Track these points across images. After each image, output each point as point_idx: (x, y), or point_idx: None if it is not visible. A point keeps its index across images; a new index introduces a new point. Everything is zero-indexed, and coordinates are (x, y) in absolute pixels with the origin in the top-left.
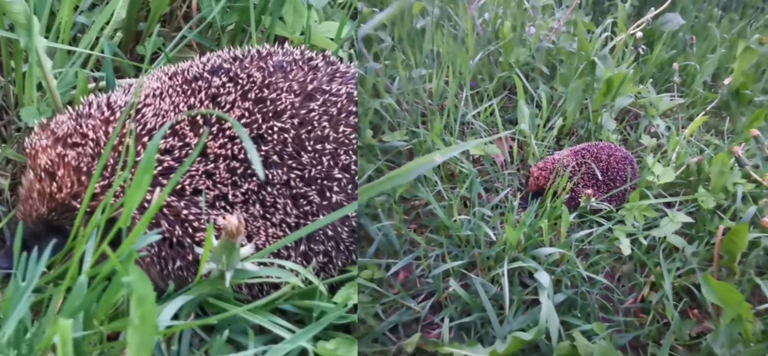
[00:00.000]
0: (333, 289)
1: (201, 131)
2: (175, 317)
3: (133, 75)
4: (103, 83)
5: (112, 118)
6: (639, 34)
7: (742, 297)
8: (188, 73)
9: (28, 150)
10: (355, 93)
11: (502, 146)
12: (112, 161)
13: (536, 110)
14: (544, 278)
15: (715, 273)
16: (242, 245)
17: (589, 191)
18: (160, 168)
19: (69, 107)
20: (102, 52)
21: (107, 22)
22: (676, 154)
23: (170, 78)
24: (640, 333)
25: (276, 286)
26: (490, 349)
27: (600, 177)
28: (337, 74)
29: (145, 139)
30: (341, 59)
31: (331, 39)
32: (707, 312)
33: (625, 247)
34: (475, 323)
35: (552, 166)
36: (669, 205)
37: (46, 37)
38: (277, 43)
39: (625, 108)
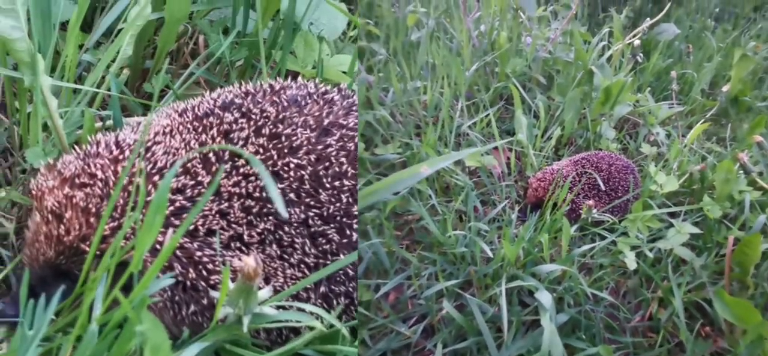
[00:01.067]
0: (355, 332)
1: (214, 168)
2: None
3: (141, 113)
4: (110, 122)
5: (121, 157)
6: (637, 42)
7: (760, 314)
8: (199, 110)
9: (34, 192)
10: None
11: (499, 157)
12: (121, 201)
13: (534, 120)
14: (545, 298)
15: (727, 287)
16: (260, 288)
17: (591, 202)
18: (172, 208)
19: (76, 147)
20: (108, 90)
21: (113, 60)
22: (678, 162)
23: (180, 115)
24: None
25: (296, 331)
26: None
27: (602, 187)
28: (354, 108)
29: (156, 178)
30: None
31: (344, 72)
32: (720, 330)
33: (631, 261)
34: (471, 348)
35: (551, 177)
36: (673, 215)
37: (51, 76)
38: (289, 78)
39: (623, 117)
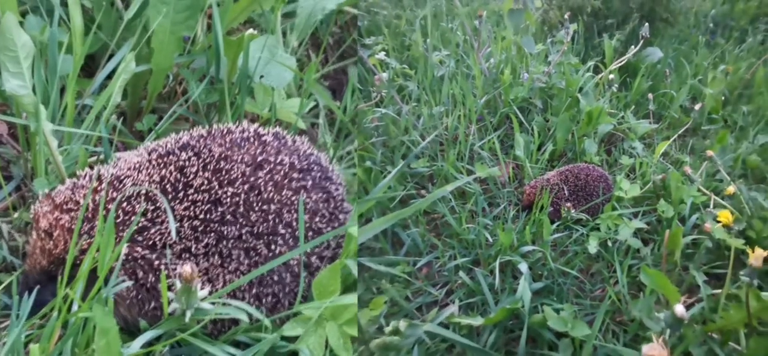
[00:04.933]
0: (282, 322)
1: (169, 197)
2: (150, 347)
3: (136, 146)
4: (103, 157)
5: (99, 188)
6: (611, 76)
7: (664, 276)
8: (163, 150)
9: (33, 215)
10: (297, 162)
11: (503, 169)
12: (97, 223)
13: (531, 138)
14: (523, 267)
15: (663, 267)
16: (203, 288)
17: (569, 204)
18: (136, 227)
19: (70, 180)
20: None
21: (105, 106)
22: (642, 173)
23: (149, 154)
24: (599, 311)
25: (236, 322)
26: (486, 318)
27: (579, 193)
28: (284, 148)
29: (124, 204)
30: (303, 131)
31: (295, 113)
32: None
33: (592, 247)
34: (478, 303)
35: (540, 184)
36: (635, 215)
37: (54, 121)
38: (246, 120)
39: (609, 132)
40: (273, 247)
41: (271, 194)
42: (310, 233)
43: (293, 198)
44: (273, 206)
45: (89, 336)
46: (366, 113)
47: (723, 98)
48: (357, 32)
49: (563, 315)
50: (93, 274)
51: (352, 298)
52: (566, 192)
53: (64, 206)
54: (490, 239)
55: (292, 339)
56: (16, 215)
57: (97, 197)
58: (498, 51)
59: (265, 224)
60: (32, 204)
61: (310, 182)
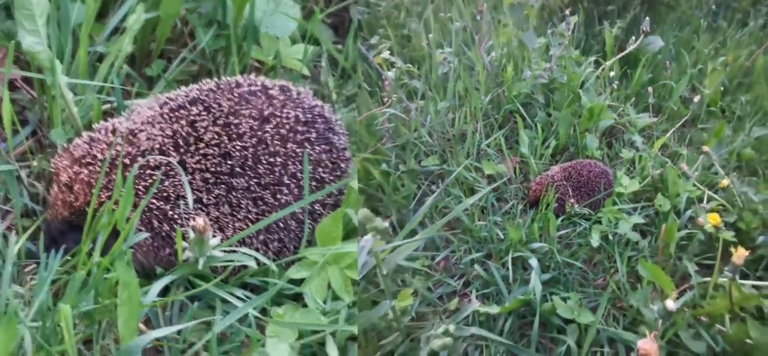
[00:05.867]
0: (287, 266)
1: (181, 150)
2: (167, 290)
3: (146, 89)
4: (116, 104)
5: (115, 142)
6: (612, 73)
7: (659, 268)
8: (174, 103)
9: (53, 169)
10: (302, 115)
11: (509, 165)
12: (115, 176)
13: (535, 134)
14: (533, 262)
15: (660, 258)
16: (214, 236)
17: (572, 200)
18: (151, 180)
19: (86, 133)
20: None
21: (117, 56)
22: (642, 167)
23: (161, 107)
24: (602, 299)
25: (245, 267)
26: (502, 307)
27: (582, 189)
28: (289, 101)
29: (139, 158)
30: (306, 76)
31: (299, 60)
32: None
33: (594, 240)
34: (492, 293)
35: (545, 181)
36: (635, 209)
37: (68, 72)
38: (253, 71)
39: (610, 126)
40: (279, 197)
41: (278, 147)
42: (314, 183)
43: (298, 150)
44: (279, 159)
45: (111, 285)
46: (377, 116)
47: (722, 88)
48: (358, 25)
49: (570, 303)
50: (112, 227)
51: (352, 246)
52: (570, 191)
53: (83, 160)
54: (502, 236)
55: (297, 282)
56: (34, 162)
57: (113, 151)
58: (499, 44)
59: (271, 176)
60: (49, 151)
61: (314, 135)
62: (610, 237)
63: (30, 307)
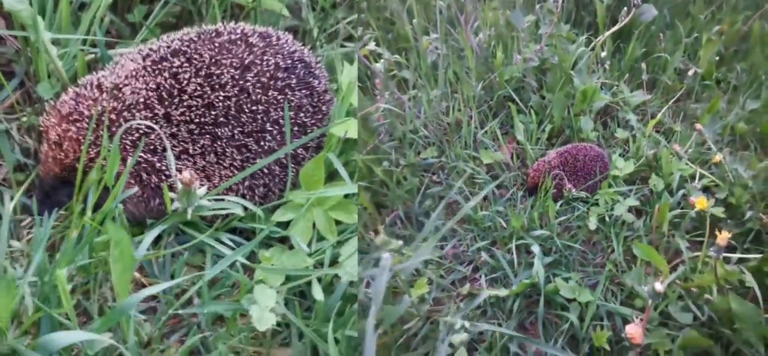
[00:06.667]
0: (273, 211)
1: (166, 103)
2: (159, 239)
3: (127, 36)
4: (99, 55)
5: (100, 97)
6: (603, 54)
7: (653, 249)
8: (156, 56)
9: (42, 127)
10: (282, 62)
11: (505, 152)
12: (102, 132)
13: (530, 119)
14: (536, 248)
15: (654, 237)
16: (202, 185)
17: (569, 185)
18: (137, 135)
19: (72, 88)
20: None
21: (99, 7)
22: (637, 148)
23: (144, 59)
24: (601, 278)
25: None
26: (509, 290)
27: (578, 173)
28: (269, 48)
29: (125, 113)
30: (284, 15)
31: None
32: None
33: (592, 223)
34: (499, 277)
35: (542, 167)
36: (630, 190)
37: (51, 26)
38: (231, 18)
39: (604, 105)
40: (263, 143)
41: (259, 95)
42: (296, 128)
43: (279, 97)
44: (261, 107)
45: (104, 240)
46: (371, 113)
47: (717, 57)
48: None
49: (571, 283)
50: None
51: (335, 189)
52: (565, 179)
53: (70, 117)
54: (505, 225)
55: (283, 225)
56: (24, 118)
57: (99, 108)
58: (486, 24)
59: (254, 124)
60: (37, 106)
61: (294, 81)
62: (607, 219)
63: (28, 264)
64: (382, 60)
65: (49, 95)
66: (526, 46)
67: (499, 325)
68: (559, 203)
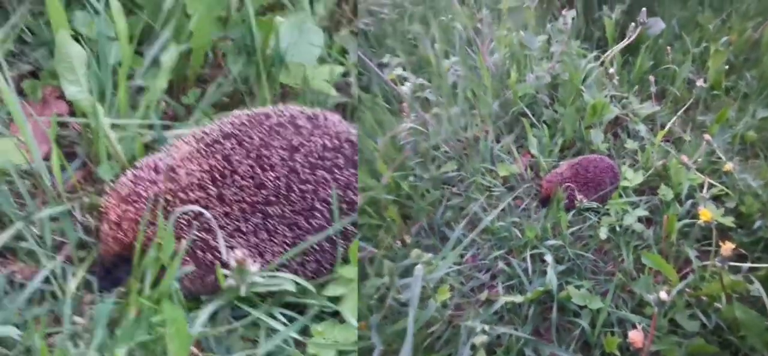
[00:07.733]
0: (322, 286)
1: (219, 184)
2: (215, 314)
3: (182, 117)
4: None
5: (157, 179)
6: (612, 70)
7: (662, 258)
8: (209, 138)
9: (102, 207)
10: (329, 142)
11: (520, 164)
12: (158, 212)
13: (543, 133)
14: (549, 257)
15: (663, 248)
16: (255, 262)
17: (581, 196)
18: (192, 215)
19: (130, 170)
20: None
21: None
22: (646, 159)
23: (197, 142)
24: (611, 286)
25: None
26: (524, 297)
27: (589, 184)
28: (317, 129)
29: (180, 194)
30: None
31: (326, 81)
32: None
33: (603, 232)
34: (515, 284)
35: (554, 179)
36: (640, 200)
37: (110, 111)
38: (282, 96)
39: (614, 117)
40: (312, 221)
41: (308, 174)
42: (344, 205)
43: (327, 176)
44: (310, 186)
45: (161, 319)
46: (398, 135)
47: (727, 66)
48: (362, 36)
49: (582, 291)
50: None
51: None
52: (576, 192)
53: (129, 198)
54: (520, 234)
55: (334, 299)
56: (86, 198)
57: (155, 189)
58: (501, 47)
59: (303, 202)
60: (98, 186)
61: (341, 160)
62: (617, 229)
63: (90, 340)
64: (407, 83)
65: (109, 176)
66: (538, 64)
67: (516, 330)
68: (570, 214)
